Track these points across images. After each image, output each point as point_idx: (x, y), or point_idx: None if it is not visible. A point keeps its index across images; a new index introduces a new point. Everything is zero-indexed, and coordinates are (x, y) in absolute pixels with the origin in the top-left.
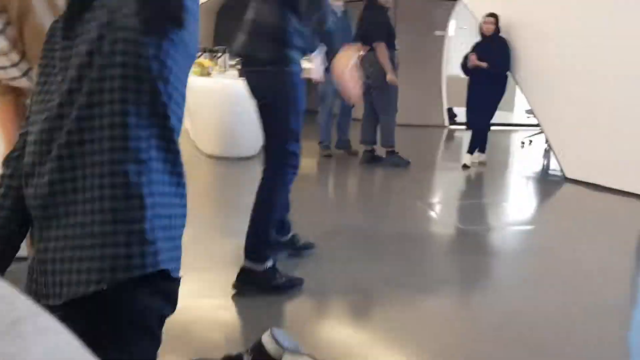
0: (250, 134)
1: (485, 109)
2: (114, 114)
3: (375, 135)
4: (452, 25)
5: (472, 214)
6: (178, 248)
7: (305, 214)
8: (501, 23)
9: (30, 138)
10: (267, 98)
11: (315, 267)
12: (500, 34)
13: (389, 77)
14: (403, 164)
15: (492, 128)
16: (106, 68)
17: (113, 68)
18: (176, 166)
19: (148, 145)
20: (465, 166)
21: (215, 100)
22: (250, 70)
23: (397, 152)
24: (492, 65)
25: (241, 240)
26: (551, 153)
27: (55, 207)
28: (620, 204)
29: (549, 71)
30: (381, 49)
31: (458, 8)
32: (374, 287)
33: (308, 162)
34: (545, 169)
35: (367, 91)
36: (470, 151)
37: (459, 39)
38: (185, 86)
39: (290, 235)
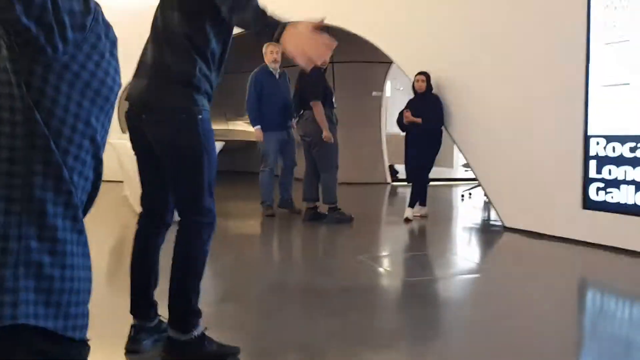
0: None
1: (423, 163)
2: None
3: (317, 193)
4: (388, 86)
5: (417, 266)
6: (76, 304)
7: (247, 272)
8: (433, 81)
9: None
10: (179, 149)
11: (257, 324)
12: (433, 91)
13: (325, 134)
14: (346, 220)
15: (433, 182)
16: None
17: None
18: (69, 209)
19: (28, 182)
20: (407, 220)
21: None
22: (154, 120)
23: (340, 209)
24: (426, 120)
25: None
26: (490, 204)
27: None
28: (557, 248)
29: (481, 126)
30: (317, 107)
31: (393, 70)
32: (319, 343)
33: (251, 223)
34: (486, 219)
35: (308, 149)
36: (412, 205)
37: (396, 98)
38: (90, 125)
39: (156, 320)
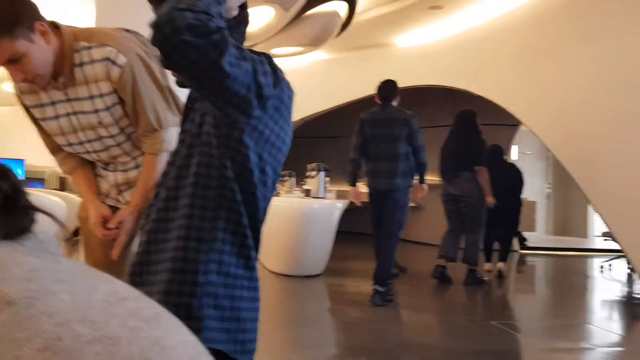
0: (315, 253)
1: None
2: (186, 196)
3: (456, 252)
4: (515, 150)
5: (554, 334)
6: (243, 331)
7: (376, 328)
8: (570, 143)
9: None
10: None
11: None
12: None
13: (489, 199)
14: (480, 282)
15: (566, 253)
16: (188, 155)
17: (191, 157)
18: (244, 249)
19: (214, 226)
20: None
21: (283, 220)
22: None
23: (477, 270)
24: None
25: (313, 352)
26: (635, 276)
27: (147, 264)
28: None
29: (626, 192)
30: (483, 172)
31: (520, 133)
32: None
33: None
34: (630, 292)
35: (456, 208)
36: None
37: (524, 162)
38: (267, 175)
39: None
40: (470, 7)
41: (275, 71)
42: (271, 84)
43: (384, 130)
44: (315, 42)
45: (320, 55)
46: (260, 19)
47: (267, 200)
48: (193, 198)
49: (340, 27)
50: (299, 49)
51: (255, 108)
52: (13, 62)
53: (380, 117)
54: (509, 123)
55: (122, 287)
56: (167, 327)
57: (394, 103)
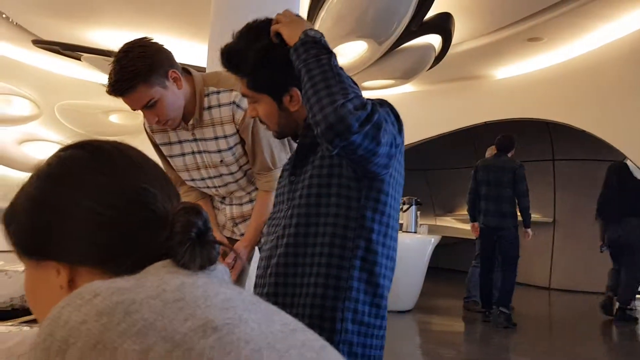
0: (406, 289)
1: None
2: (323, 244)
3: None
4: None
5: None
6: None
7: None
8: None
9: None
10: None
11: None
12: None
13: None
14: (630, 319)
15: None
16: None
17: (328, 207)
18: (376, 297)
19: (349, 275)
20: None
21: None
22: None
23: (630, 308)
24: None
25: None
26: None
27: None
28: None
29: None
30: None
31: None
32: None
33: (460, 319)
34: None
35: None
36: None
37: None
38: (393, 216)
39: None
40: (571, 38)
41: (398, 117)
42: (397, 132)
43: (494, 176)
44: (407, 75)
45: (410, 87)
46: (352, 52)
47: (395, 242)
48: (331, 248)
49: (434, 60)
50: (390, 81)
51: (393, 159)
52: (149, 107)
53: (492, 164)
54: (609, 159)
55: (290, 319)
56: (334, 359)
57: (509, 154)
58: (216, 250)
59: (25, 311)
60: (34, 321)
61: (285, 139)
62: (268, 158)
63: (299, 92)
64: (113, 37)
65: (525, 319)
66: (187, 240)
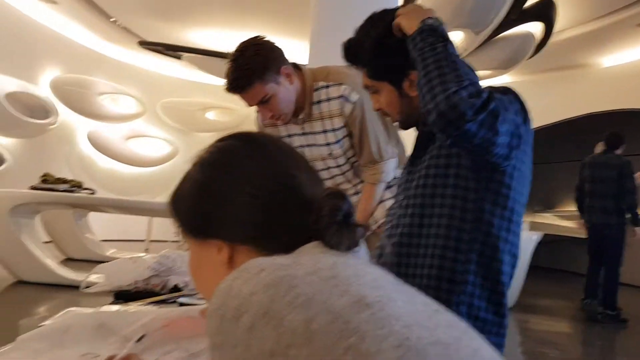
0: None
1: None
2: (437, 236)
3: None
4: None
5: None
6: None
7: None
8: None
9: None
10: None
11: None
12: None
13: None
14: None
15: None
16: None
17: (444, 198)
18: (495, 294)
19: (464, 269)
20: None
21: None
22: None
23: None
24: None
25: None
26: None
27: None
28: None
29: None
30: None
31: None
32: None
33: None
34: None
35: None
36: None
37: None
38: (520, 215)
39: None
40: None
41: (523, 106)
42: (521, 121)
43: (598, 172)
44: (505, 66)
45: (508, 77)
46: None
47: (518, 238)
48: (446, 240)
49: (535, 49)
50: (488, 72)
51: (515, 150)
52: (263, 103)
53: (597, 161)
54: None
55: (430, 300)
56: (479, 341)
57: (618, 151)
58: (359, 233)
59: (148, 293)
60: (162, 302)
61: (392, 132)
62: (375, 150)
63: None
64: (211, 36)
65: (632, 321)
66: (334, 223)
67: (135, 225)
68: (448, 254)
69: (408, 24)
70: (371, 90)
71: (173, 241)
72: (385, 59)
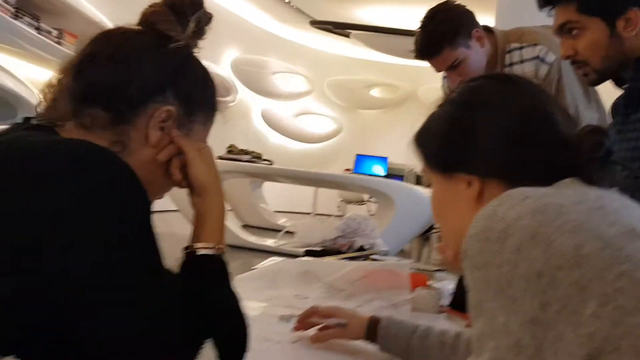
0: None
1: None
2: None
3: None
4: None
5: None
6: None
7: None
8: None
9: None
10: None
11: None
12: None
13: None
14: None
15: None
16: None
17: None
18: None
19: None
20: None
21: None
22: None
23: None
24: None
25: None
26: None
27: None
28: None
29: None
30: None
31: None
32: None
33: None
34: None
35: None
36: None
37: None
38: None
39: None
40: None
41: None
42: None
43: None
44: None
45: None
46: None
47: None
48: None
49: None
50: None
51: None
52: (453, 68)
53: None
54: None
55: None
56: None
57: None
58: (619, 172)
59: (334, 252)
60: (354, 258)
61: (593, 96)
62: (572, 113)
63: (639, 15)
64: (380, 13)
65: None
66: (596, 159)
67: (299, 199)
68: None
69: None
70: (568, 31)
71: (337, 215)
72: None
